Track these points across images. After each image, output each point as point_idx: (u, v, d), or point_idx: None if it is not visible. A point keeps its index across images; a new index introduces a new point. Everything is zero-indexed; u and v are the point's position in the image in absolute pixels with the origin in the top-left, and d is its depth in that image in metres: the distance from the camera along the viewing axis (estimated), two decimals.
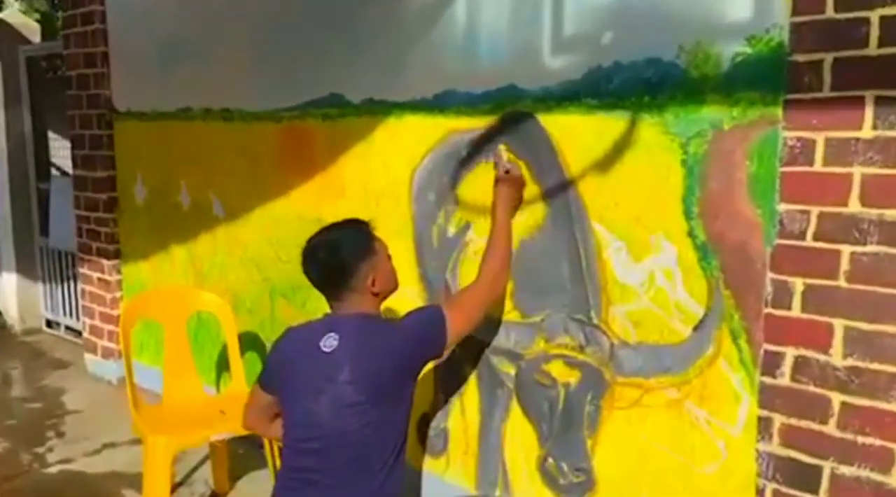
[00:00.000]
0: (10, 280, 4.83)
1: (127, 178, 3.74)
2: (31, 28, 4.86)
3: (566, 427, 2.13)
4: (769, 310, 1.72)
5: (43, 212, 4.70)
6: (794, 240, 1.66)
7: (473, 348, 2.30)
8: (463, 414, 2.40)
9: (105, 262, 3.87)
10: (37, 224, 4.79)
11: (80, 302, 4.15)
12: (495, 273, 2.04)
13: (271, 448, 2.38)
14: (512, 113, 2.15)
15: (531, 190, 2.13)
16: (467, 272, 2.32)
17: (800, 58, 1.62)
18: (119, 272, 3.87)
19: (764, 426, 1.75)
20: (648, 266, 1.92)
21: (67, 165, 4.28)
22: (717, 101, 1.76)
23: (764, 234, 1.71)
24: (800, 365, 1.68)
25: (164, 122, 3.44)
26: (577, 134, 2.01)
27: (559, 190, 2.07)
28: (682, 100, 1.81)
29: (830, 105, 1.59)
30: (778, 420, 1.73)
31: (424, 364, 1.89)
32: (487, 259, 2.05)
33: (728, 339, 1.79)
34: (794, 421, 1.71)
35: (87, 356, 4.11)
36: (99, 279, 3.93)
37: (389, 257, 1.95)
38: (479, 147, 2.24)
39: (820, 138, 1.61)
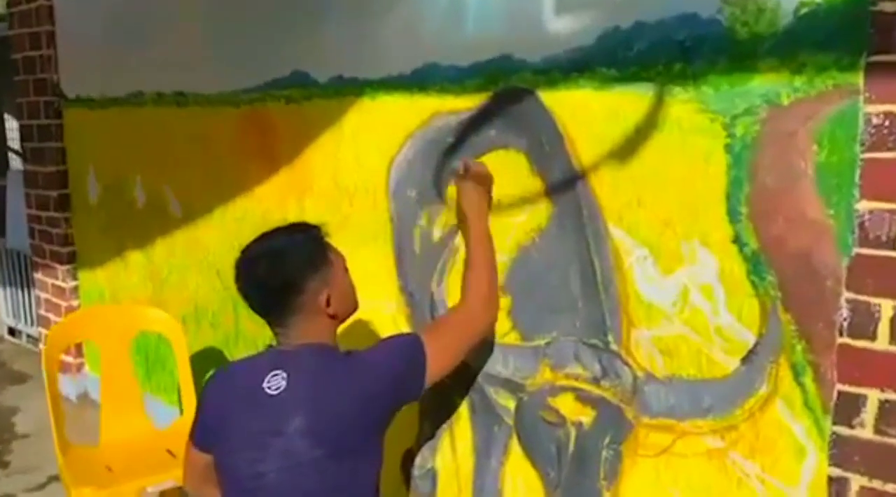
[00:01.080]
0: None
1: (79, 173, 3.34)
2: None
3: (579, 475, 1.73)
4: (845, 340, 1.31)
5: (1, 210, 4.31)
6: (880, 249, 1.26)
7: (465, 374, 1.90)
8: (454, 452, 2.01)
9: (59, 266, 3.48)
10: None
11: (37, 310, 3.76)
12: (482, 295, 1.64)
13: None
14: (507, 90, 1.74)
15: (532, 185, 1.73)
16: (456, 284, 1.92)
17: (888, 6, 1.21)
18: (75, 278, 3.48)
19: (837, 490, 1.35)
20: (681, 280, 1.52)
21: None
22: (772, 67, 1.34)
23: (838, 241, 1.30)
24: (887, 412, 1.29)
25: (115, 109, 3.03)
26: (588, 114, 1.61)
27: (567, 185, 1.66)
28: (725, 67, 1.40)
29: None
30: (856, 482, 1.33)
31: (397, 409, 1.49)
32: (470, 279, 1.66)
33: (788, 376, 1.39)
34: (877, 484, 1.31)
35: (44, 371, 3.73)
36: (53, 286, 3.55)
37: (346, 270, 1.56)
38: (467, 133, 1.84)
39: None
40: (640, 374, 1.60)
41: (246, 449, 1.40)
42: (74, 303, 3.48)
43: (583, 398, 1.70)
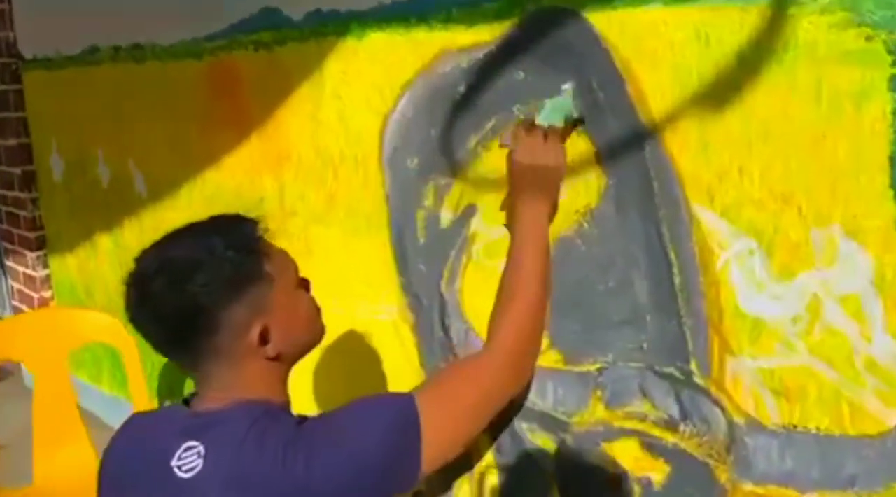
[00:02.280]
0: None
1: (42, 147, 2.90)
2: None
3: None
4: None
5: None
6: None
7: None
8: None
9: (29, 253, 3.06)
10: None
11: (11, 302, 3.37)
12: (518, 340, 1.12)
13: None
14: (540, 13, 1.22)
15: (579, 148, 1.22)
16: (474, 283, 1.43)
17: None
18: (46, 266, 3.06)
19: None
20: (809, 287, 1.01)
21: None
22: None
23: None
24: None
25: (72, 70, 2.57)
26: (660, 41, 1.09)
27: (629, 147, 1.15)
28: None
29: None
30: None
31: None
32: (505, 313, 1.13)
33: None
34: None
35: (24, 367, 3.35)
36: (25, 275, 3.14)
37: (303, 284, 1.06)
38: (485, 78, 1.33)
39: None
40: (739, 420, 1.10)
41: None
42: (46, 294, 3.07)
43: (652, 448, 1.21)
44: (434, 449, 0.96)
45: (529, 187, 1.16)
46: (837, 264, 0.97)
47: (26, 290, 3.16)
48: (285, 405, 1.01)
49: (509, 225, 1.19)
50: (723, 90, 1.04)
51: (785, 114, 0.99)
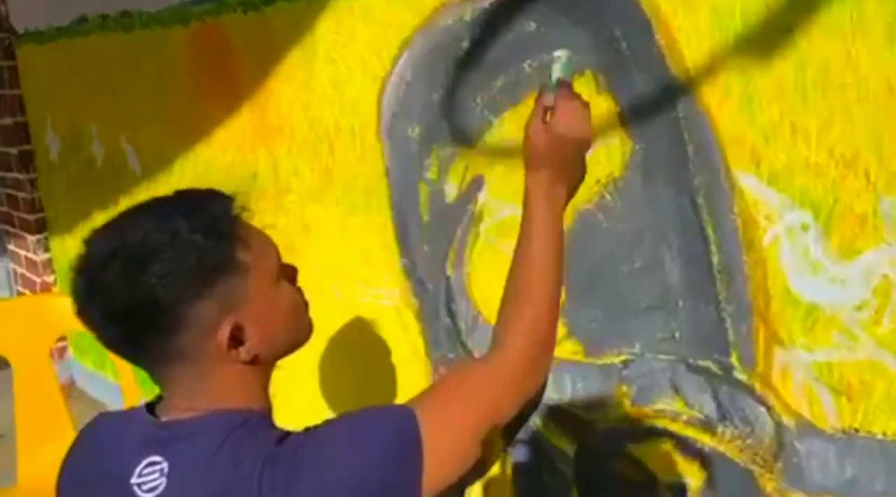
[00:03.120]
0: None
1: (38, 125, 2.79)
2: None
3: None
4: None
5: None
6: None
7: None
8: None
9: (29, 237, 2.97)
10: None
11: (14, 286, 3.29)
12: (532, 337, 0.94)
13: None
14: None
15: (599, 107, 1.05)
16: (481, 265, 1.29)
17: None
18: (47, 249, 2.97)
19: None
20: (877, 267, 0.85)
21: None
22: None
23: None
24: None
25: (62, 42, 2.44)
26: None
27: (659, 104, 0.99)
28: None
29: None
30: None
31: None
32: (512, 303, 0.95)
33: None
34: None
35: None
36: (26, 258, 3.05)
37: (287, 274, 0.90)
38: (492, 31, 1.16)
39: None
40: (789, 421, 0.95)
41: None
42: (49, 278, 2.98)
43: (686, 451, 1.06)
44: (436, 471, 0.80)
45: (560, 164, 0.97)
46: None
47: (28, 275, 3.08)
48: (266, 413, 0.86)
49: (526, 196, 1.01)
50: (772, 33, 0.87)
51: (849, 59, 0.82)
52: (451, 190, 1.30)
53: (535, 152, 0.93)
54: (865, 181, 0.83)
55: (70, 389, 3.03)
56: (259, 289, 0.81)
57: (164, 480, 0.78)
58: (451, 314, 1.37)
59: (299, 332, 0.89)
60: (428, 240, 1.37)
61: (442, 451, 0.81)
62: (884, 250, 0.83)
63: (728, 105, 0.92)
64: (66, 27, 2.38)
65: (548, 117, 0.89)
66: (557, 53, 0.87)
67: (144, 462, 0.80)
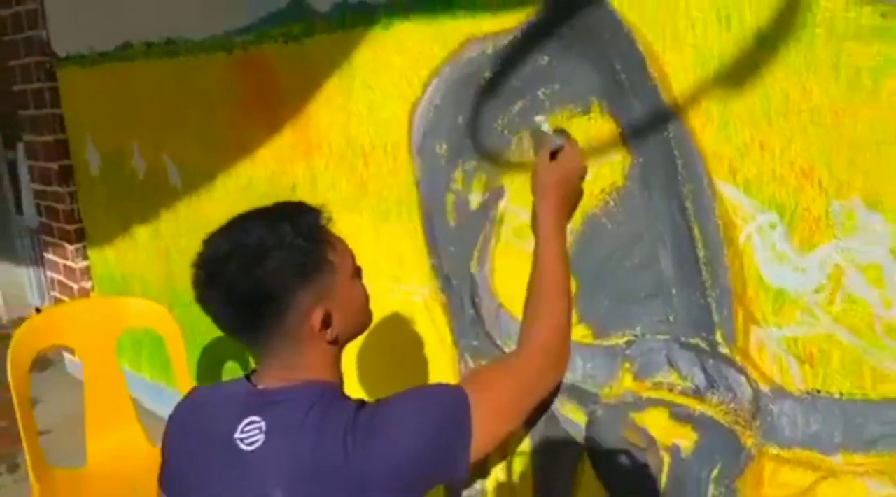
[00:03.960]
0: None
1: (78, 142, 2.99)
2: None
3: None
4: None
5: (16, 186, 4.04)
6: None
7: None
8: (508, 474, 1.60)
9: (68, 246, 3.17)
10: (12, 200, 4.15)
11: (51, 292, 3.49)
12: (552, 341, 1.20)
13: None
14: (563, 0, 1.26)
15: (602, 129, 1.26)
16: (504, 264, 1.48)
17: None
18: (85, 258, 3.17)
19: None
20: (829, 258, 1.04)
21: None
22: None
23: None
24: None
25: (106, 66, 2.65)
26: (682, 22, 1.12)
27: (652, 125, 1.19)
28: None
29: None
30: None
31: (423, 493, 1.05)
32: (536, 316, 1.22)
33: None
34: None
35: (66, 355, 3.48)
36: (65, 266, 3.25)
37: (357, 273, 1.11)
38: (511, 63, 1.37)
39: None
40: (764, 387, 1.15)
41: None
42: (86, 284, 3.18)
43: (680, 416, 1.26)
44: (481, 440, 1.03)
45: (566, 194, 1.25)
46: (858, 235, 1.01)
47: (66, 281, 3.27)
48: (340, 385, 1.07)
49: (540, 228, 1.27)
50: (743, 69, 1.07)
51: (804, 90, 1.02)
52: (475, 198, 1.51)
53: (545, 186, 1.23)
54: (819, 188, 1.03)
55: None
56: (342, 283, 1.03)
57: (262, 436, 0.98)
58: (476, 307, 1.57)
59: (366, 320, 1.11)
60: (454, 242, 1.57)
61: (486, 424, 1.04)
62: (835, 244, 1.03)
63: (709, 127, 1.12)
64: (111, 52, 2.58)
65: (556, 157, 1.19)
66: (538, 118, 1.17)
67: (245, 421, 1.00)
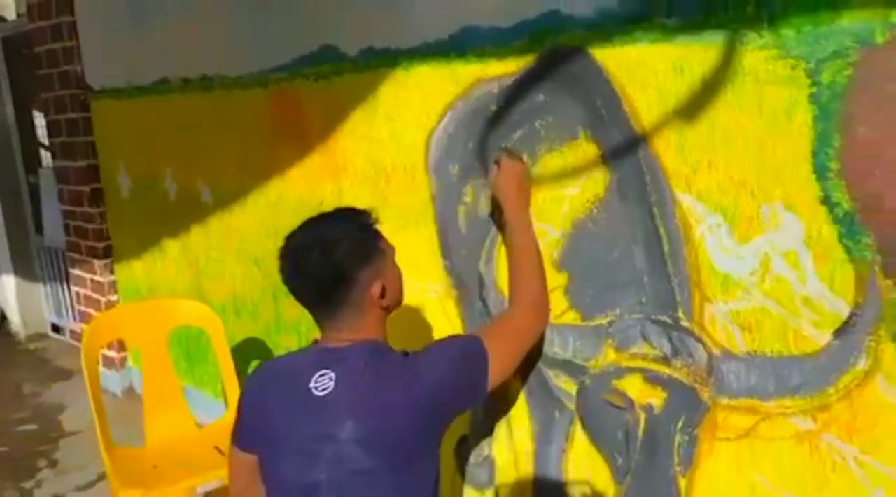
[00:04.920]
0: (9, 284, 4.46)
1: (110, 167, 3.28)
2: (4, 5, 4.40)
3: (650, 461, 1.61)
4: None
5: (36, 208, 4.31)
6: None
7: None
8: (511, 439, 1.90)
9: (96, 262, 3.45)
10: (31, 222, 4.40)
11: (76, 306, 3.75)
12: (534, 300, 1.59)
13: None
14: (555, 50, 1.60)
15: (587, 152, 1.59)
16: (506, 263, 1.80)
17: None
18: (112, 272, 3.45)
19: None
20: (760, 248, 1.38)
21: None
22: (863, 2, 1.18)
23: None
24: None
25: (141, 99, 2.95)
26: (648, 70, 1.46)
27: (626, 150, 1.53)
28: (807, 5, 1.24)
29: None
30: None
31: (455, 416, 1.38)
32: (518, 283, 1.60)
33: (890, 350, 1.25)
34: None
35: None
36: (92, 281, 3.52)
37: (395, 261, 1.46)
38: (512, 100, 1.70)
39: None
40: (716, 351, 1.47)
41: (294, 456, 1.30)
42: (113, 297, 3.45)
43: (652, 379, 1.58)
44: (494, 373, 1.37)
45: (515, 190, 1.65)
46: (780, 230, 1.34)
47: (93, 295, 3.54)
48: (387, 342, 1.39)
49: (507, 220, 1.66)
50: (694, 106, 1.41)
51: (739, 122, 1.36)
52: (483, 209, 1.83)
53: (496, 186, 1.63)
54: (751, 196, 1.37)
55: (129, 393, 3.48)
56: (390, 265, 1.36)
57: (332, 384, 1.29)
58: (483, 300, 1.88)
59: (402, 295, 1.44)
60: (465, 246, 1.89)
61: (498, 360, 1.38)
62: (764, 238, 1.36)
63: (669, 150, 1.46)
64: (147, 87, 2.89)
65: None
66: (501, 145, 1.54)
67: (318, 373, 1.31)
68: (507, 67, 1.69)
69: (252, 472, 1.41)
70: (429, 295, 2.00)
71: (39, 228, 4.31)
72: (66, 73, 3.29)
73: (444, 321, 1.98)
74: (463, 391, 1.35)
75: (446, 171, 1.89)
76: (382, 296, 1.34)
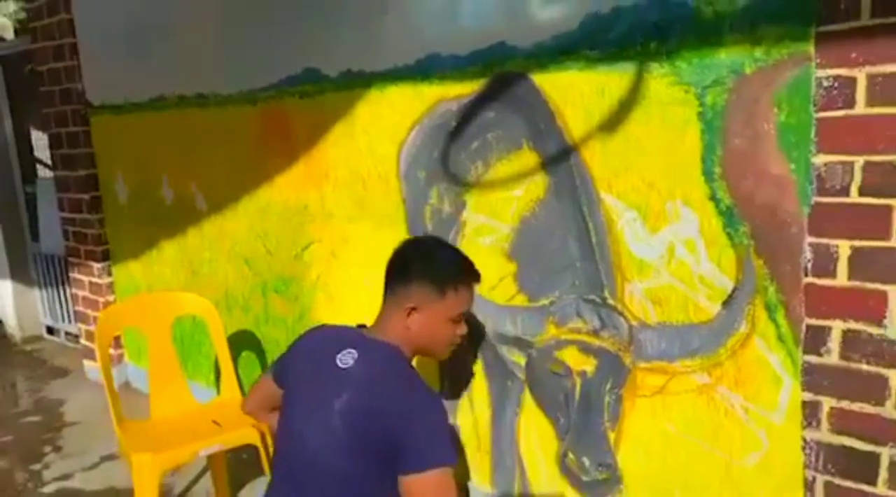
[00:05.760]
0: (6, 288, 4.68)
1: (108, 176, 3.55)
2: (2, 25, 4.65)
3: (585, 419, 1.92)
4: (809, 279, 1.49)
5: (32, 216, 4.54)
6: (836, 196, 1.43)
7: (478, 337, 2.10)
8: (472, 408, 2.20)
9: (94, 264, 3.70)
10: (27, 229, 4.64)
11: (74, 307, 3.99)
12: None
13: (269, 457, 2.20)
14: (502, 74, 1.91)
15: (529, 160, 1.91)
16: (466, 252, 2.10)
17: None
18: (110, 274, 3.70)
19: (810, 411, 1.54)
20: (667, 237, 1.70)
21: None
22: (736, 41, 1.51)
23: (799, 192, 1.48)
24: (850, 340, 1.46)
25: (139, 114, 3.23)
26: (576, 93, 1.78)
27: (560, 158, 1.84)
28: (694, 43, 1.57)
29: (872, 35, 1.35)
30: (826, 404, 1.51)
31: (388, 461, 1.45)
32: None
33: (763, 315, 1.57)
34: (845, 404, 1.49)
35: (86, 363, 3.96)
36: (91, 283, 3.77)
37: (457, 320, 1.64)
38: (469, 116, 2.01)
39: (861, 75, 1.37)
40: (634, 323, 1.79)
41: (301, 406, 1.56)
42: (110, 298, 3.70)
43: (585, 349, 1.89)
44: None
45: None
46: (680, 222, 1.66)
47: (91, 296, 3.79)
48: (409, 362, 1.60)
49: None
50: (612, 121, 1.73)
51: (647, 134, 1.68)
52: (446, 209, 2.13)
53: None
54: (659, 195, 1.69)
55: (125, 388, 3.73)
56: (438, 312, 1.59)
57: (352, 361, 1.55)
58: None
59: (435, 351, 1.67)
60: None
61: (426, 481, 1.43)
62: (669, 228, 1.68)
63: (595, 158, 1.78)
64: (145, 103, 3.17)
65: None
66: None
67: (346, 350, 1.57)
68: (464, 89, 2.00)
69: (268, 398, 1.73)
70: None
71: (35, 236, 4.54)
72: (67, 90, 3.55)
73: None
74: (401, 454, 1.41)
75: (415, 177, 2.20)
76: (410, 315, 1.57)
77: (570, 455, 1.98)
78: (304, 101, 2.47)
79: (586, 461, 1.94)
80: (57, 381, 3.98)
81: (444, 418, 1.48)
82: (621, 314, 1.80)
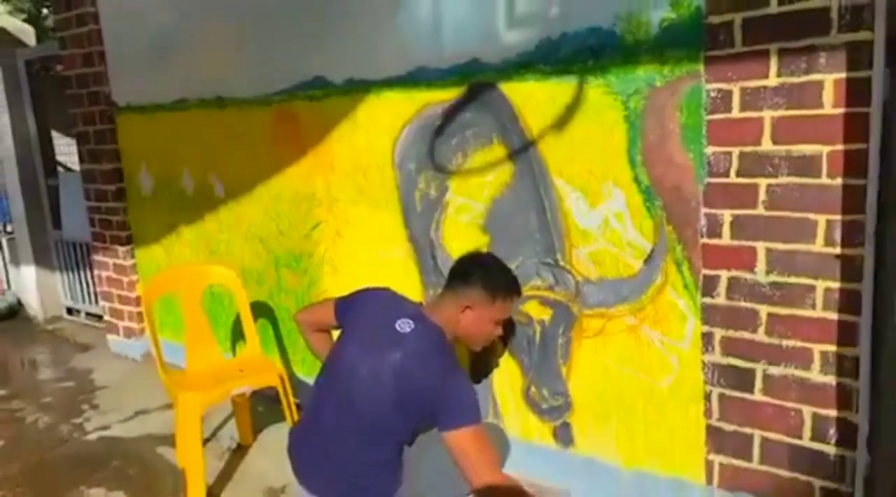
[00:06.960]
0: (30, 273, 5.12)
1: (132, 169, 3.99)
2: (26, 32, 5.07)
3: (544, 358, 2.42)
4: (704, 240, 1.99)
5: (53, 207, 4.97)
6: (721, 178, 1.93)
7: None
8: None
9: (119, 248, 4.14)
10: (49, 218, 5.07)
11: (98, 288, 4.43)
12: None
13: (288, 403, 2.66)
14: (476, 84, 2.40)
15: (499, 152, 2.39)
16: (449, 230, 2.59)
17: (714, 19, 1.87)
18: (133, 256, 4.15)
19: (707, 340, 2.04)
20: (603, 211, 2.19)
21: (70, 162, 4.41)
22: (649, 61, 2.01)
23: (696, 175, 1.97)
24: (732, 285, 1.96)
25: (162, 114, 3.68)
26: (534, 99, 2.27)
27: (523, 150, 2.33)
28: (620, 62, 2.06)
29: (742, 59, 1.84)
30: (718, 334, 2.01)
31: (420, 423, 1.94)
32: None
33: (673, 269, 2.07)
34: (731, 333, 1.99)
35: (110, 337, 4.41)
36: (115, 264, 4.21)
37: (497, 325, 2.04)
38: (450, 117, 2.50)
39: (735, 88, 1.86)
40: (580, 279, 2.28)
41: (360, 344, 1.97)
42: (133, 277, 4.15)
43: (543, 302, 2.38)
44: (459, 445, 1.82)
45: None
46: (612, 199, 2.16)
47: (115, 276, 4.23)
48: (453, 348, 2.02)
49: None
50: (561, 121, 2.22)
51: (587, 131, 2.17)
52: (433, 193, 2.62)
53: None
54: (596, 179, 2.18)
55: (148, 357, 4.18)
56: (486, 314, 2.02)
57: (409, 329, 1.98)
58: (434, 258, 2.67)
59: (472, 343, 2.10)
60: (420, 219, 2.68)
61: (469, 450, 1.85)
62: (604, 205, 2.17)
63: (549, 151, 2.26)
64: (168, 105, 3.62)
65: None
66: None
67: (405, 319, 2.02)
68: (446, 95, 2.48)
69: (320, 321, 2.19)
70: (395, 256, 2.78)
71: (56, 224, 4.97)
72: (95, 92, 3.99)
73: (405, 275, 2.76)
74: (430, 412, 1.85)
75: (407, 167, 2.68)
76: (463, 311, 1.99)
77: (533, 388, 2.47)
78: (312, 104, 2.94)
79: (545, 392, 2.44)
80: (82, 355, 4.43)
81: (473, 388, 1.93)
82: (570, 273, 2.30)
